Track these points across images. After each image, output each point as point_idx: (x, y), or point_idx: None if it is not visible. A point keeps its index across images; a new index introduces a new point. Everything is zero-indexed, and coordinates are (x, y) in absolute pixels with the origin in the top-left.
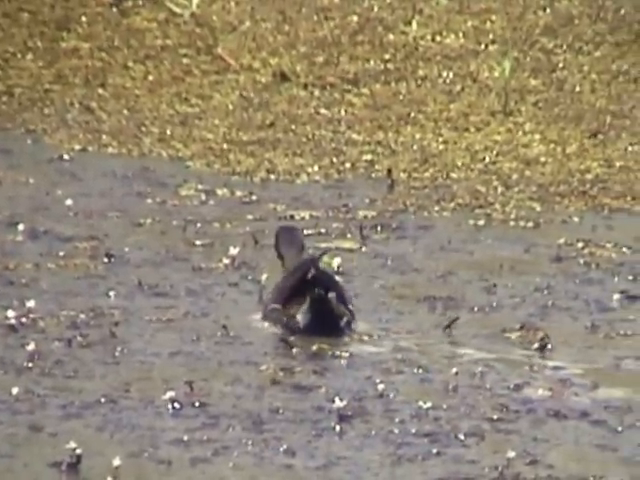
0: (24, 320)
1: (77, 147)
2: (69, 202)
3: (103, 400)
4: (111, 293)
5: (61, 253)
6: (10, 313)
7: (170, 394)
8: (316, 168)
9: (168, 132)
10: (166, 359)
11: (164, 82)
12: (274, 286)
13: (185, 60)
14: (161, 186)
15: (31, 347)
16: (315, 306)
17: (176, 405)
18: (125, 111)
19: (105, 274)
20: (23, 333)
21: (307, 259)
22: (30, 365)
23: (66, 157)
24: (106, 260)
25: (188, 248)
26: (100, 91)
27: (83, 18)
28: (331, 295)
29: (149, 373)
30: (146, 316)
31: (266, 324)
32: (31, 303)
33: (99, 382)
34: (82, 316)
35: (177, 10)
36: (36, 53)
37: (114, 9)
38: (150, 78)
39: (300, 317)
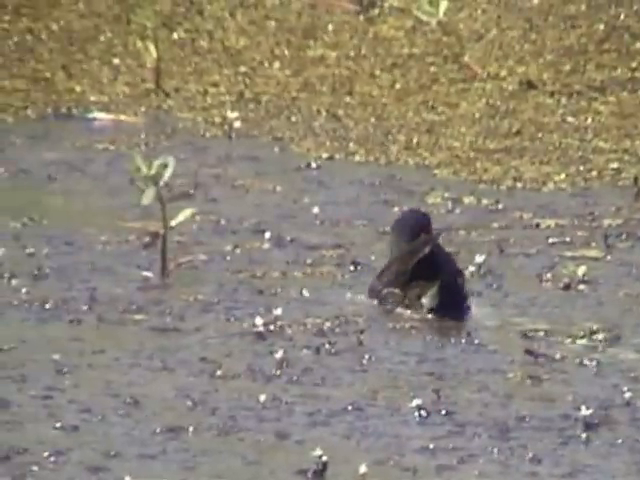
0: (272, 328)
1: (324, 155)
2: (316, 210)
3: (350, 408)
4: (358, 301)
5: (308, 261)
6: (258, 321)
7: (417, 402)
8: (562, 176)
9: (415, 140)
10: (413, 366)
11: (411, 90)
12: (385, 267)
13: (432, 68)
14: (408, 194)
15: (279, 355)
16: (445, 290)
17: (423, 413)
18: (372, 119)
19: (351, 282)
20: (271, 341)
21: (422, 240)
22: (278, 373)
23: (313, 165)
24: (352, 268)
25: None
26: (347, 99)
27: (330, 26)
28: (460, 280)
29: (396, 381)
30: (391, 323)
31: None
32: (278, 311)
33: (346, 390)
34: (328, 324)
35: (424, 18)
36: (283, 61)
37: (361, 17)
38: (397, 86)
39: (426, 300)
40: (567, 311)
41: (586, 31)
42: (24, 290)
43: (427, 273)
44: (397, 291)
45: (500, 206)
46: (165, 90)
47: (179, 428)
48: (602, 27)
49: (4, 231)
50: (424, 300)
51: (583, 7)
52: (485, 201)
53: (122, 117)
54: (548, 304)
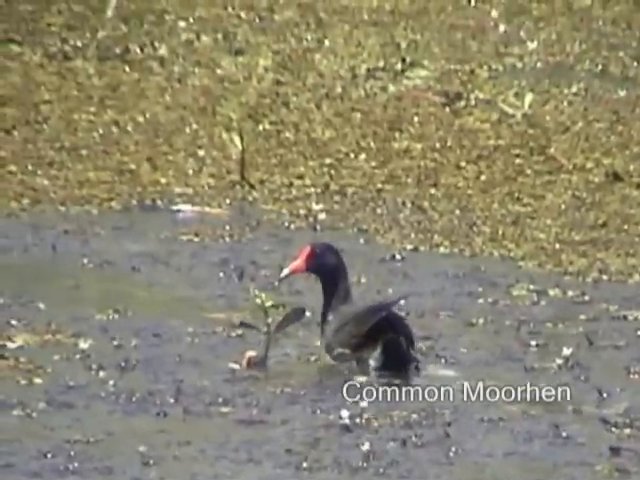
0: (358, 420)
1: (409, 247)
2: (401, 302)
3: None
4: (443, 392)
5: None
6: (344, 413)
7: None
8: None
9: (500, 232)
10: (500, 459)
11: (496, 182)
12: (338, 327)
13: (517, 160)
14: (493, 286)
15: (366, 447)
16: (389, 349)
17: None
18: (457, 211)
19: (439, 373)
20: (357, 433)
21: (378, 305)
22: (365, 465)
23: (398, 257)
24: (442, 361)
25: (522, 348)
26: (432, 191)
27: (415, 118)
28: (402, 339)
29: (483, 474)
30: (477, 415)
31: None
32: (364, 403)
33: None
34: (415, 416)
35: (509, 111)
36: (369, 153)
37: (447, 109)
38: (482, 178)
39: (372, 361)
40: None
41: None
42: (111, 382)
43: (375, 335)
44: (349, 352)
45: (586, 298)
46: (250, 182)
47: None
48: None
49: (91, 323)
50: (370, 361)
51: None
52: (571, 293)
53: (207, 209)
54: (637, 397)
